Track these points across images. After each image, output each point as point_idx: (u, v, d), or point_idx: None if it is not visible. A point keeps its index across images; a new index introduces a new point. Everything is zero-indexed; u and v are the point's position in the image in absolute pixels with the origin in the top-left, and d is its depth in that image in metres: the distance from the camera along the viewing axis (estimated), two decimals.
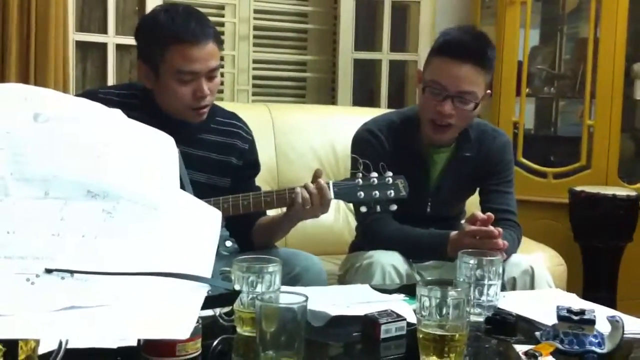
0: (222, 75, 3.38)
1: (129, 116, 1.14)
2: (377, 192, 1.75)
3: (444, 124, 1.92)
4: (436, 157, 2.05)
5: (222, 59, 3.39)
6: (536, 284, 1.87)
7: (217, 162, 1.89)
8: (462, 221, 1.92)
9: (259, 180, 2.03)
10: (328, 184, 1.76)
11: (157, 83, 1.80)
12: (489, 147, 2.06)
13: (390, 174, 1.77)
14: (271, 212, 1.99)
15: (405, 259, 1.93)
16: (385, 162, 1.82)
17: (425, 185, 2.04)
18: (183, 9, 1.79)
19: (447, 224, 2.04)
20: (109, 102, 1.13)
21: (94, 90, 1.96)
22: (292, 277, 1.76)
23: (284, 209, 1.85)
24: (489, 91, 1.97)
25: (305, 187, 1.75)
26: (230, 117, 1.97)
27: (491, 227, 1.76)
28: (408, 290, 1.63)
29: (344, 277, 2.08)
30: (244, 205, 1.75)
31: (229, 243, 1.98)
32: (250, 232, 1.92)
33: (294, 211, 1.77)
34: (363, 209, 1.78)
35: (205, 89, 1.77)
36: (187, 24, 1.73)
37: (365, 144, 2.01)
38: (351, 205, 2.73)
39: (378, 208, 1.77)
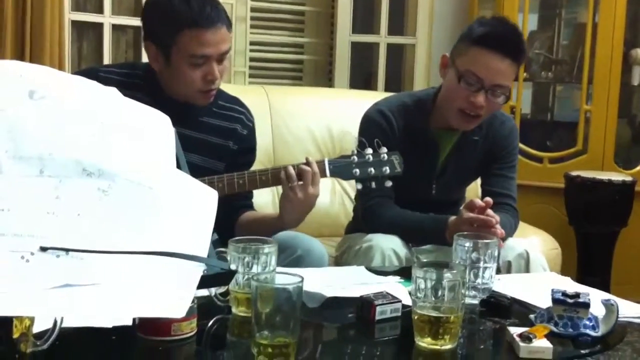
0: None
1: (130, 97, 1.13)
2: (372, 169, 1.76)
3: (473, 115, 1.91)
4: (445, 139, 2.05)
5: None
6: (531, 267, 1.88)
7: (216, 145, 1.88)
8: (462, 207, 1.92)
9: (255, 163, 2.02)
10: (323, 161, 1.76)
11: (166, 65, 1.77)
12: (496, 132, 2.07)
13: (385, 150, 1.77)
14: (262, 198, 1.98)
15: (404, 242, 1.94)
16: (394, 143, 1.83)
17: (432, 166, 2.05)
18: None
19: (449, 209, 2.05)
20: (109, 82, 1.12)
21: (95, 69, 1.92)
22: (293, 259, 1.75)
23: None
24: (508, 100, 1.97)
25: (295, 166, 1.75)
26: (234, 102, 1.95)
27: (490, 212, 1.77)
28: (404, 272, 1.63)
29: (340, 259, 2.08)
30: (239, 184, 1.75)
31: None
32: (234, 225, 1.90)
33: (285, 197, 1.76)
34: (359, 186, 1.79)
35: (216, 72, 1.75)
36: (202, 9, 1.71)
37: (375, 124, 2.01)
38: (347, 185, 2.76)
39: (373, 184, 1.78)
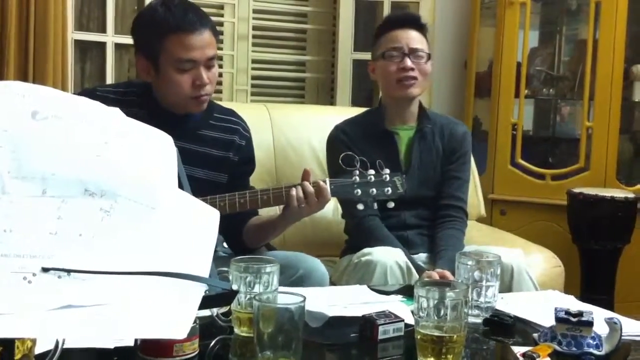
0: (220, 75, 3.38)
1: (128, 113, 1.14)
2: (374, 189, 1.76)
3: (410, 78, 2.14)
4: (402, 133, 2.21)
5: (220, 58, 3.41)
6: (515, 278, 1.93)
7: (216, 158, 1.90)
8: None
9: (257, 181, 2.03)
10: (324, 181, 1.76)
11: (156, 75, 1.81)
12: (451, 130, 2.25)
13: (388, 171, 1.77)
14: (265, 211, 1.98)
15: (404, 249, 1.96)
16: (356, 148, 2.00)
17: (396, 161, 2.15)
18: (179, 1, 1.81)
19: (423, 206, 2.17)
20: (106, 100, 1.13)
21: (92, 89, 1.97)
22: (295, 280, 1.75)
23: (280, 208, 1.85)
24: (431, 61, 2.23)
25: (302, 186, 1.75)
26: (229, 113, 1.98)
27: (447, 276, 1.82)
28: (406, 291, 1.63)
29: (341, 280, 2.08)
30: (241, 204, 1.75)
31: (226, 244, 1.98)
32: (241, 233, 1.92)
33: (290, 211, 1.77)
34: (360, 206, 1.78)
35: (205, 77, 1.79)
36: (184, 14, 1.77)
37: (335, 141, 2.20)
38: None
39: (375, 206, 1.77)
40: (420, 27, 2.21)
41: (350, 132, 2.20)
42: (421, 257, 2.10)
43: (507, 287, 1.90)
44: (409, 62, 2.14)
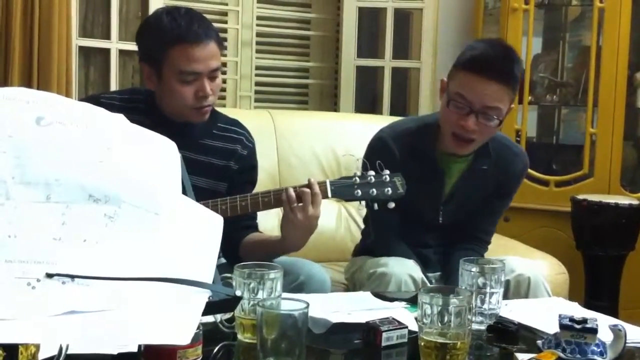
0: (224, 81, 3.38)
1: (132, 120, 1.14)
2: (374, 190, 1.75)
3: (467, 139, 1.89)
4: (452, 166, 2.00)
5: (224, 65, 3.42)
6: (531, 291, 1.88)
7: (218, 167, 1.89)
8: None
9: (260, 187, 2.00)
10: (325, 182, 1.76)
11: (159, 84, 1.81)
12: (509, 165, 2.04)
13: (388, 172, 1.76)
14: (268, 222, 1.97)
15: (419, 263, 1.94)
16: (396, 170, 1.78)
17: (439, 193, 2.01)
18: (185, 11, 1.81)
19: (456, 231, 2.06)
20: (111, 107, 1.13)
21: (97, 96, 1.97)
22: (296, 286, 1.75)
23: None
24: (512, 105, 1.91)
25: (295, 187, 1.74)
26: (233, 123, 1.97)
27: None
28: (410, 298, 1.63)
29: (352, 280, 2.07)
30: (242, 206, 1.75)
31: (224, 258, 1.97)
32: (238, 246, 1.90)
33: (285, 217, 1.76)
34: (373, 205, 1.77)
35: (208, 89, 1.78)
36: (189, 25, 1.75)
37: (375, 153, 1.94)
38: (353, 211, 2.75)
39: (376, 206, 1.77)
40: (508, 81, 1.83)
41: (395, 150, 1.96)
42: (436, 276, 2.07)
43: (523, 298, 1.85)
44: (471, 123, 1.83)
